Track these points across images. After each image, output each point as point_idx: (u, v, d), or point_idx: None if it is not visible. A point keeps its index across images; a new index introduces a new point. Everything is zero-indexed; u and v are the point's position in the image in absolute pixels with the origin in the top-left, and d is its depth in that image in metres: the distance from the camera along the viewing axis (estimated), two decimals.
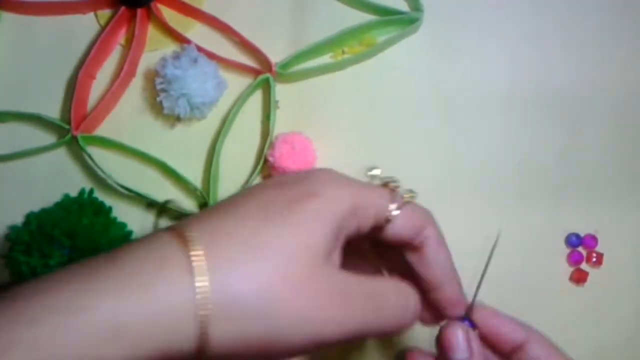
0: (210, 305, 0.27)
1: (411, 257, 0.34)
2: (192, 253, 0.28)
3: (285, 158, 0.45)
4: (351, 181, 0.32)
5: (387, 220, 0.32)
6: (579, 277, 0.45)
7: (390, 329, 0.32)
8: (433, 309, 0.35)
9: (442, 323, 0.35)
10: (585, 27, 0.48)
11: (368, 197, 0.32)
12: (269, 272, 0.28)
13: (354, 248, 0.33)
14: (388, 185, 0.34)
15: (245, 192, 0.32)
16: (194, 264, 0.27)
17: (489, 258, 0.36)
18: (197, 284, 0.27)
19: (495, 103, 0.47)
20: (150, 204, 0.46)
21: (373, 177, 0.35)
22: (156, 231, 0.30)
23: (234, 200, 0.31)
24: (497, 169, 0.46)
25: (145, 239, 0.29)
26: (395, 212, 0.32)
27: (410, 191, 0.34)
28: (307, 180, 0.32)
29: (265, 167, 0.46)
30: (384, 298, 0.32)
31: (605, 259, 0.45)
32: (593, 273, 0.45)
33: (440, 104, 0.47)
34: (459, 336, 0.33)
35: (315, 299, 0.29)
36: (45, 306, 0.26)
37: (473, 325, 0.35)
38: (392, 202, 0.33)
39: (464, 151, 0.47)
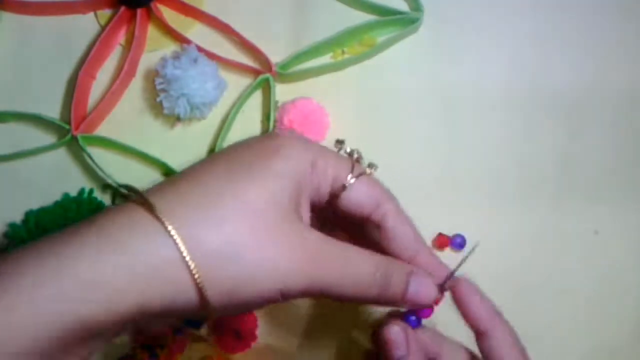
0: (179, 255, 0.29)
1: (375, 234, 0.35)
2: (159, 215, 0.30)
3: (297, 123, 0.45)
4: (314, 143, 0.34)
5: (344, 187, 0.33)
6: None
7: (357, 295, 0.33)
8: None
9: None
10: (585, 27, 0.48)
11: (328, 158, 0.33)
12: (235, 223, 0.30)
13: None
14: (351, 156, 0.35)
15: (209, 157, 0.34)
16: (161, 223, 0.29)
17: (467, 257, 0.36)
18: (163, 240, 0.29)
19: (495, 103, 0.47)
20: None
21: (339, 146, 0.36)
22: (126, 200, 0.32)
23: (198, 164, 0.33)
24: (496, 169, 0.46)
25: (117, 207, 0.32)
26: (352, 180, 0.33)
27: (371, 165, 0.35)
28: (270, 139, 0.33)
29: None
30: (353, 263, 0.33)
31: (605, 258, 0.45)
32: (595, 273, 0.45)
33: (440, 104, 0.47)
34: (397, 334, 0.34)
35: (279, 248, 0.31)
36: (21, 269, 0.28)
37: (418, 322, 0.36)
38: (352, 170, 0.34)
39: (463, 151, 0.47)
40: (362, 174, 0.34)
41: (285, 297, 0.31)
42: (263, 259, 0.30)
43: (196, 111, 0.45)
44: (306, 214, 0.33)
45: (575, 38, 0.48)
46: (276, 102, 0.47)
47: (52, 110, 0.48)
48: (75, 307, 0.28)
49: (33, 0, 0.49)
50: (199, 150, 0.47)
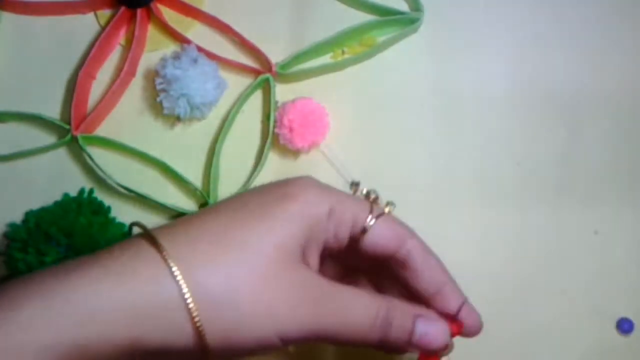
0: (181, 299, 0.29)
1: (401, 274, 0.34)
2: (166, 257, 0.30)
3: (297, 123, 0.45)
4: (331, 188, 0.33)
5: (364, 230, 0.33)
6: None
7: (358, 341, 0.32)
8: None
9: None
10: (586, 27, 0.48)
11: (345, 204, 0.33)
12: (237, 266, 0.30)
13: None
14: (368, 197, 0.34)
15: (226, 199, 0.34)
16: (167, 264, 0.30)
17: None
18: (167, 281, 0.29)
19: (495, 103, 0.47)
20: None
21: (354, 188, 0.35)
22: (133, 236, 0.32)
23: (214, 207, 0.33)
24: (497, 169, 0.46)
25: (125, 242, 0.32)
26: (372, 222, 0.32)
27: (389, 203, 0.34)
28: (286, 184, 0.33)
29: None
30: (352, 308, 0.32)
31: (605, 258, 0.45)
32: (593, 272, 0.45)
33: (440, 104, 0.47)
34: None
35: (276, 294, 0.30)
36: (24, 294, 0.29)
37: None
38: (371, 212, 0.33)
39: (463, 151, 0.47)
40: (381, 214, 0.33)
41: (284, 342, 0.31)
42: (260, 305, 0.30)
43: (196, 111, 0.45)
44: (314, 260, 0.33)
45: (575, 38, 0.48)
46: (276, 102, 0.47)
47: (52, 110, 0.48)
48: (72, 333, 0.28)
49: (33, 0, 0.49)
50: (199, 150, 0.47)
